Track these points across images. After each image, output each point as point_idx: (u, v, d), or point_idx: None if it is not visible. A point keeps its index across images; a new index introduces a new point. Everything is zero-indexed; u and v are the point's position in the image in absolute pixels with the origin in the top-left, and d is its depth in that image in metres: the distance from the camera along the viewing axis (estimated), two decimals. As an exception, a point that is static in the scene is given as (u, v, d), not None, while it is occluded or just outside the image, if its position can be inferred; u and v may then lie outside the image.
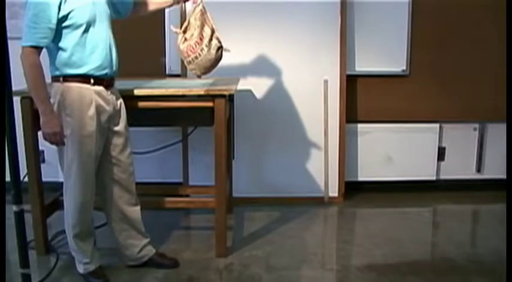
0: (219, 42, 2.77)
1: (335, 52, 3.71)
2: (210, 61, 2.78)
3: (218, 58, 2.80)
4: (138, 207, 2.73)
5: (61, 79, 2.41)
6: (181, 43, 2.78)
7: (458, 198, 3.99)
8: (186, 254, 2.96)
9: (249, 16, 3.67)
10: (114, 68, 2.53)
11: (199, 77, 2.87)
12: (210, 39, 2.75)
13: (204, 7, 2.76)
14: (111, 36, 2.52)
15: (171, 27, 2.93)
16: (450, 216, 3.68)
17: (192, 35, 2.74)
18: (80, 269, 2.63)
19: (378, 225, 3.46)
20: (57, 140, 2.38)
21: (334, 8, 3.66)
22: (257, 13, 3.66)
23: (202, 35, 2.74)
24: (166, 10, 3.59)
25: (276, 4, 3.64)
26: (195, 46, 2.74)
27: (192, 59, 2.77)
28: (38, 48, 2.31)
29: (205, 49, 2.74)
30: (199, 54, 2.75)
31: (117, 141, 2.60)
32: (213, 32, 2.76)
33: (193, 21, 2.75)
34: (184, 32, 2.78)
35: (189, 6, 3.00)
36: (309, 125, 3.81)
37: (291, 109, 3.78)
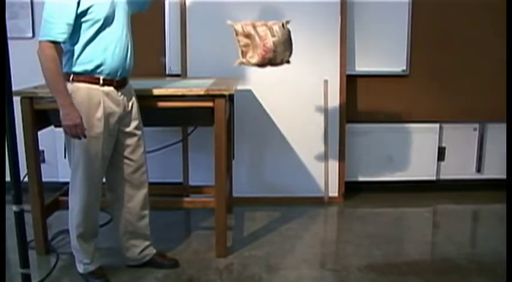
0: (275, 23, 2.71)
1: (335, 52, 3.71)
2: (285, 41, 2.73)
3: (288, 33, 2.75)
4: (147, 212, 2.71)
5: (71, 77, 2.39)
6: (250, 60, 2.73)
7: (458, 198, 3.99)
8: (186, 254, 2.96)
9: (249, 16, 3.64)
10: (126, 68, 2.49)
11: (288, 62, 2.84)
12: (270, 28, 2.69)
13: (235, 27, 2.71)
14: (129, 35, 2.49)
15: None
16: (450, 216, 3.68)
17: (256, 45, 2.68)
18: (80, 268, 2.62)
19: (378, 225, 3.46)
20: (77, 132, 2.33)
21: (334, 8, 3.67)
22: (257, 13, 3.65)
23: (260, 35, 2.68)
24: (167, 10, 3.60)
25: (276, 4, 3.64)
26: (264, 50, 2.68)
27: (273, 56, 2.72)
28: (55, 43, 2.29)
29: (275, 37, 2.68)
30: (274, 46, 2.69)
31: (129, 141, 2.58)
32: (264, 25, 2.70)
33: (242, 38, 2.71)
34: (244, 56, 2.74)
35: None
36: (309, 125, 3.80)
37: (291, 109, 3.78)
